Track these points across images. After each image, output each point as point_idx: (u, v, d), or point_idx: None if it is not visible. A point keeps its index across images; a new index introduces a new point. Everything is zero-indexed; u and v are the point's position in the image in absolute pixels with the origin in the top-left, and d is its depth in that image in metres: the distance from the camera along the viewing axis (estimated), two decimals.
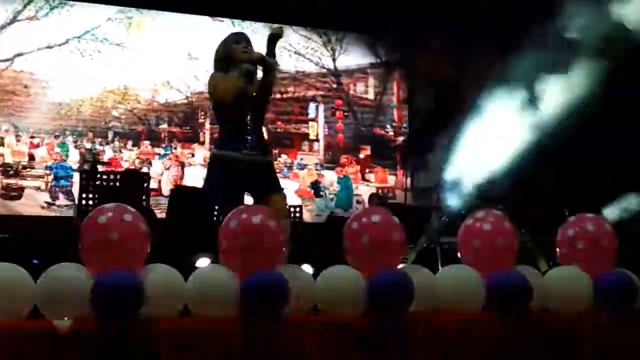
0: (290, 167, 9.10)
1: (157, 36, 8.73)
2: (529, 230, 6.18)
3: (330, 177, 9.41)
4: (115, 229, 2.91)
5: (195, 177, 8.41)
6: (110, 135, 8.53)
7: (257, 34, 8.96)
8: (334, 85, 9.74)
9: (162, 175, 8.59)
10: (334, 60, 9.72)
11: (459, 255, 3.65)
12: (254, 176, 3.94)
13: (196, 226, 5.62)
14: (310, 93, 9.58)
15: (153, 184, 8.21)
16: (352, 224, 3.37)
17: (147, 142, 8.60)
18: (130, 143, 8.56)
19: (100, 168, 7.46)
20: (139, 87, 8.65)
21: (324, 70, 9.75)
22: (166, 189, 8.45)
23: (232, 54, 4.17)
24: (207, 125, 8.91)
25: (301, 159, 9.30)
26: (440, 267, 5.19)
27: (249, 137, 3.99)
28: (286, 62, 9.25)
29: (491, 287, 3.40)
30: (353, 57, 9.57)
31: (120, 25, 8.57)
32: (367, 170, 9.51)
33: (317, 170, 9.24)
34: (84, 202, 5.86)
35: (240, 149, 3.94)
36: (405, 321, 3.20)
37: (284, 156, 9.18)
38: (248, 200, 4.10)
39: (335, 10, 8.73)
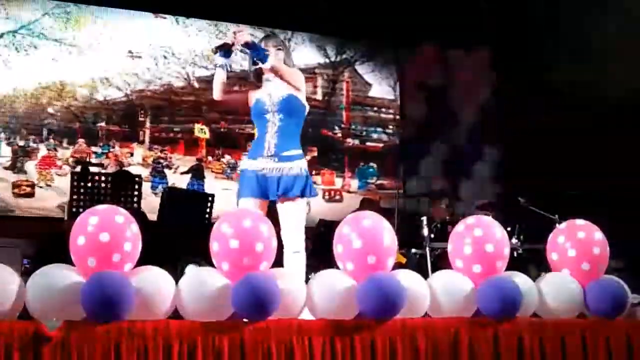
0: (234, 168, 8.83)
1: (97, 32, 8.51)
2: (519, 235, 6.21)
3: None
4: (106, 231, 2.91)
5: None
6: (44, 132, 8.30)
7: (203, 31, 8.91)
8: None
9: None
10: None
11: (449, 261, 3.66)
12: (265, 182, 3.82)
13: (188, 228, 5.64)
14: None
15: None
16: (342, 228, 3.37)
17: (82, 141, 8.32)
18: (65, 141, 8.23)
19: (92, 169, 7.43)
20: (77, 84, 8.36)
21: None
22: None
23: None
24: (148, 124, 8.68)
25: None
26: (430, 273, 5.20)
27: (265, 144, 3.87)
28: (232, 60, 9.09)
29: (482, 293, 3.41)
30: (301, 56, 9.32)
31: (58, 21, 8.35)
32: (313, 172, 9.35)
33: None
34: (74, 203, 5.84)
35: (254, 156, 3.87)
36: (396, 326, 3.21)
37: (227, 157, 8.95)
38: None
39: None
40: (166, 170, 8.68)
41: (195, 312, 3.01)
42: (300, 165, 3.86)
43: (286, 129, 3.90)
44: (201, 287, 3.04)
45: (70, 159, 8.14)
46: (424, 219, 6.18)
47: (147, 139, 8.66)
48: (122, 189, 5.94)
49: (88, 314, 2.80)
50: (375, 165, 9.70)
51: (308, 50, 9.53)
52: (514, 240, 6.05)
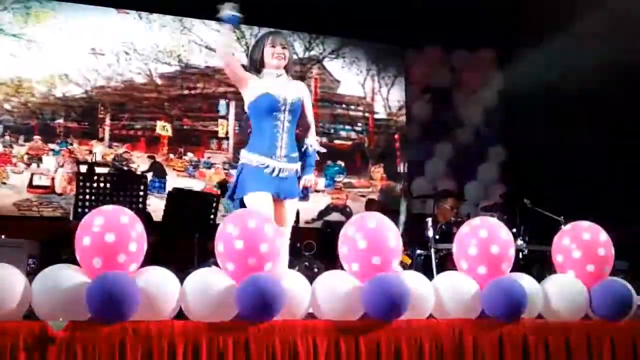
0: (196, 166, 8.73)
1: (58, 28, 8.31)
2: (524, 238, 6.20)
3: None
4: (111, 231, 2.91)
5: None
6: (0, 129, 8.05)
7: (166, 27, 8.76)
8: None
9: (55, 172, 8.09)
10: (247, 55, 9.25)
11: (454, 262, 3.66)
12: (278, 181, 3.91)
13: (194, 229, 5.65)
14: (221, 89, 8.99)
15: (46, 181, 8.04)
16: (348, 229, 3.37)
17: (37, 137, 8.11)
18: (22, 138, 8.06)
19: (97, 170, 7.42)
20: (35, 80, 8.16)
21: None
22: (59, 187, 8.08)
23: (263, 56, 4.04)
24: (108, 121, 8.47)
25: (208, 157, 8.85)
26: (435, 274, 5.20)
27: (277, 143, 3.93)
28: (196, 57, 8.92)
29: (487, 295, 3.41)
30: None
31: (17, 16, 8.10)
32: None
33: (225, 169, 8.92)
34: (80, 203, 5.84)
35: (267, 154, 3.91)
36: (400, 327, 3.21)
37: (189, 154, 8.77)
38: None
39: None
40: (126, 168, 8.46)
41: (200, 312, 3.02)
42: (298, 167, 4.03)
43: (292, 130, 4.01)
44: (206, 287, 3.05)
45: (22, 156, 7.93)
46: (429, 220, 6.17)
47: (107, 136, 8.47)
48: (127, 189, 5.94)
49: (93, 314, 2.80)
50: (342, 164, 9.50)
51: None
52: (519, 242, 6.04)
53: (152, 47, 8.73)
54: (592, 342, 3.54)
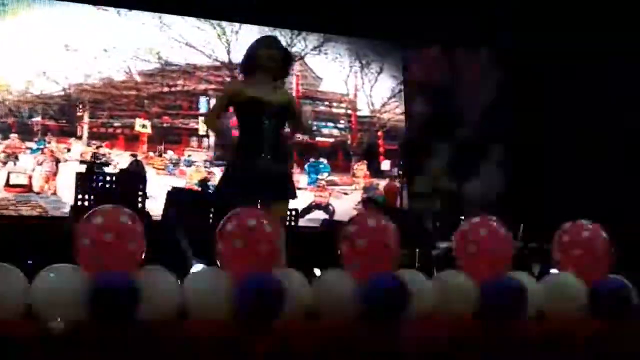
0: (176, 164, 8.67)
1: (35, 24, 8.19)
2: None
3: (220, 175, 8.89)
4: (111, 230, 2.91)
5: (71, 173, 7.67)
6: None
7: (146, 24, 8.71)
8: (228, 79, 9.04)
9: (33, 170, 8.04)
10: (228, 53, 9.16)
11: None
12: (267, 183, 3.95)
13: (193, 228, 5.64)
14: (202, 87, 9.03)
15: (23, 180, 7.99)
16: (348, 228, 3.37)
17: (14, 135, 8.04)
18: None
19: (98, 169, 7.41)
20: (11, 78, 8.09)
21: (218, 64, 9.17)
22: (37, 186, 8.04)
23: (256, 59, 4.13)
24: (86, 119, 8.41)
25: (189, 155, 8.81)
26: (435, 272, 5.20)
27: (265, 144, 3.98)
28: (176, 54, 8.87)
29: (486, 293, 3.40)
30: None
31: None
32: None
33: (206, 167, 8.83)
34: (79, 202, 5.85)
35: (255, 156, 3.95)
36: (399, 327, 3.20)
37: (170, 152, 8.72)
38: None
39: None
40: (104, 167, 8.34)
41: (200, 312, 3.01)
42: (286, 169, 4.21)
43: (279, 132, 4.11)
44: (206, 287, 3.05)
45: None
46: (429, 218, 6.18)
47: (85, 134, 8.42)
48: (126, 188, 5.94)
49: (93, 315, 2.80)
50: (325, 161, 9.51)
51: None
52: (519, 240, 6.04)
53: (131, 44, 8.64)
54: (592, 341, 3.54)
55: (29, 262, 5.57)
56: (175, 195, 6.34)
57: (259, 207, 3.81)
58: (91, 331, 2.76)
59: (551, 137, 8.05)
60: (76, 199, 5.90)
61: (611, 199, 6.94)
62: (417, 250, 6.36)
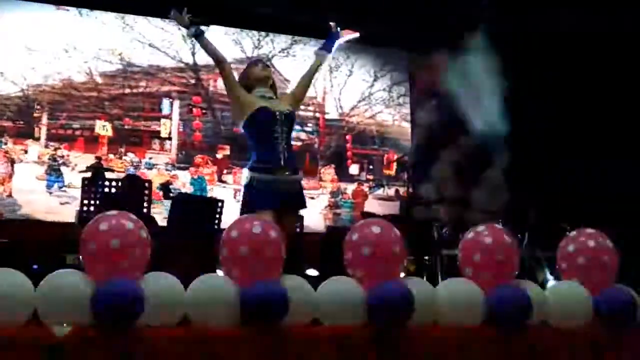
0: (137, 167, 8.46)
1: None
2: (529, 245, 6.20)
3: (183, 178, 8.74)
4: (116, 237, 2.91)
5: (27, 174, 7.98)
6: None
7: (108, 24, 8.54)
8: (192, 81, 8.96)
9: None
10: (193, 54, 9.00)
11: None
12: (286, 195, 4.06)
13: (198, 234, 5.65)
14: (165, 88, 8.83)
15: None
16: (352, 235, 3.37)
17: None
18: None
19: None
20: None
21: (182, 65, 9.00)
22: None
23: (252, 75, 4.29)
24: (45, 120, 8.22)
25: (150, 158, 8.62)
26: (440, 280, 5.19)
27: (282, 155, 4.06)
28: (139, 55, 8.73)
29: (491, 301, 3.40)
30: None
31: None
32: (225, 171, 8.87)
33: (167, 170, 8.67)
34: (85, 208, 5.86)
35: (274, 170, 4.05)
36: (404, 334, 3.20)
37: (130, 155, 8.52)
38: None
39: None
40: (63, 169, 8.25)
41: (204, 318, 3.02)
42: (300, 179, 4.27)
43: (290, 142, 4.20)
44: (210, 293, 3.05)
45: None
46: (435, 225, 6.17)
47: (43, 136, 8.25)
48: (131, 194, 5.95)
49: (98, 320, 2.80)
50: None
51: (224, 44, 8.61)
52: (524, 248, 6.03)
53: (92, 44, 8.53)
54: (597, 349, 3.53)
55: (34, 267, 5.62)
56: (180, 201, 6.35)
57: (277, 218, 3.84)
58: (95, 337, 2.76)
59: (553, 142, 8.04)
60: (82, 204, 5.91)
61: (616, 203, 6.94)
62: (424, 257, 6.36)
